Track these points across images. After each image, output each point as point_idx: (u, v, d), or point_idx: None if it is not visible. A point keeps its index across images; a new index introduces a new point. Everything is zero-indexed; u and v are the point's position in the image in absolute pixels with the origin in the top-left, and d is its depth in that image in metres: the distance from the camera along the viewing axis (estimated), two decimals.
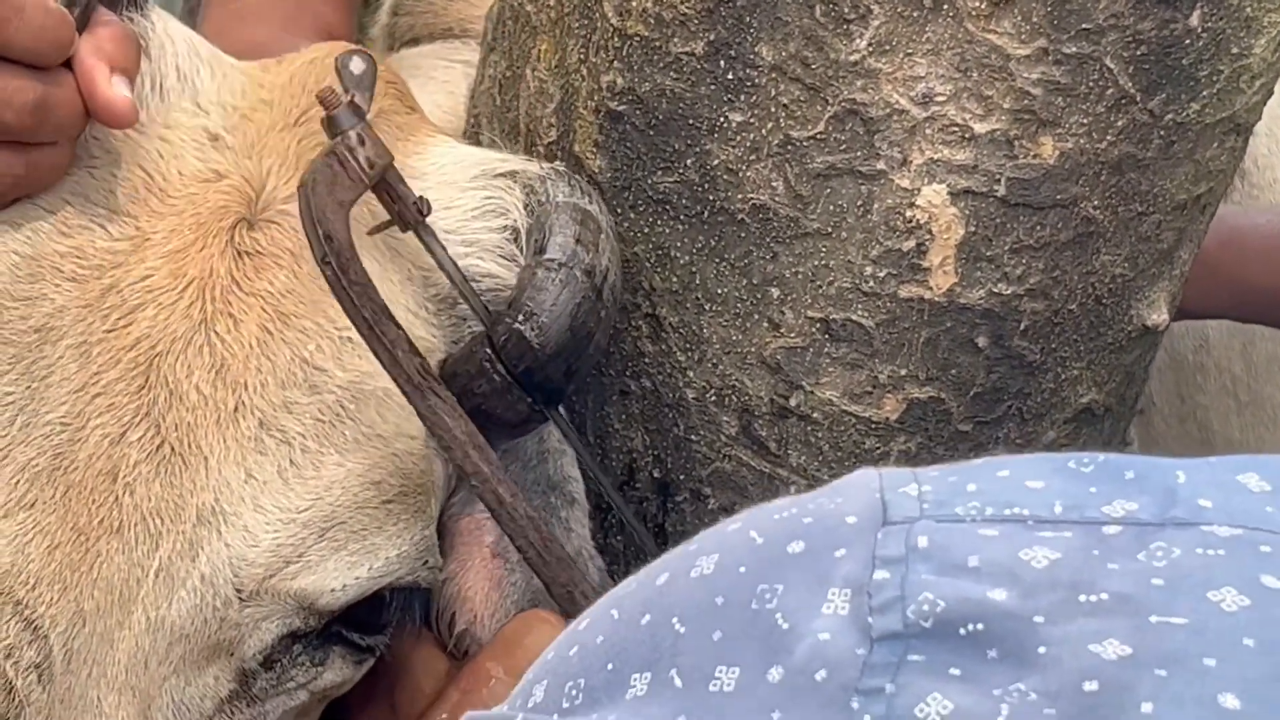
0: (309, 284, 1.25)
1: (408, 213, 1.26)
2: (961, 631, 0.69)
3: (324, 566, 1.22)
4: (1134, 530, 0.72)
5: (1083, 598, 0.69)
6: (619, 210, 1.35)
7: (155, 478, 1.20)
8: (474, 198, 1.32)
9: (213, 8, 2.11)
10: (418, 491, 1.27)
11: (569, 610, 1.24)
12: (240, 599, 1.20)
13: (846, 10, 1.23)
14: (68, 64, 1.22)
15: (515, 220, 1.31)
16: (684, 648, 0.73)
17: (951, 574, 0.70)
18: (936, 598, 0.70)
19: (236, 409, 1.22)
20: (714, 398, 1.36)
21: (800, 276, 1.30)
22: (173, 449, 1.21)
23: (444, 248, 1.28)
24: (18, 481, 1.20)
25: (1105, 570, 0.70)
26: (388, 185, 1.26)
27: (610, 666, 0.75)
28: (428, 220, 1.27)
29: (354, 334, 1.24)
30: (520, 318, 1.27)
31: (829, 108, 1.26)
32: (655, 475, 1.41)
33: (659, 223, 1.34)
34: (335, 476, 1.23)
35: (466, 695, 1.29)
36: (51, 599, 1.18)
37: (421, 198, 1.26)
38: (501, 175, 1.33)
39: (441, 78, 1.67)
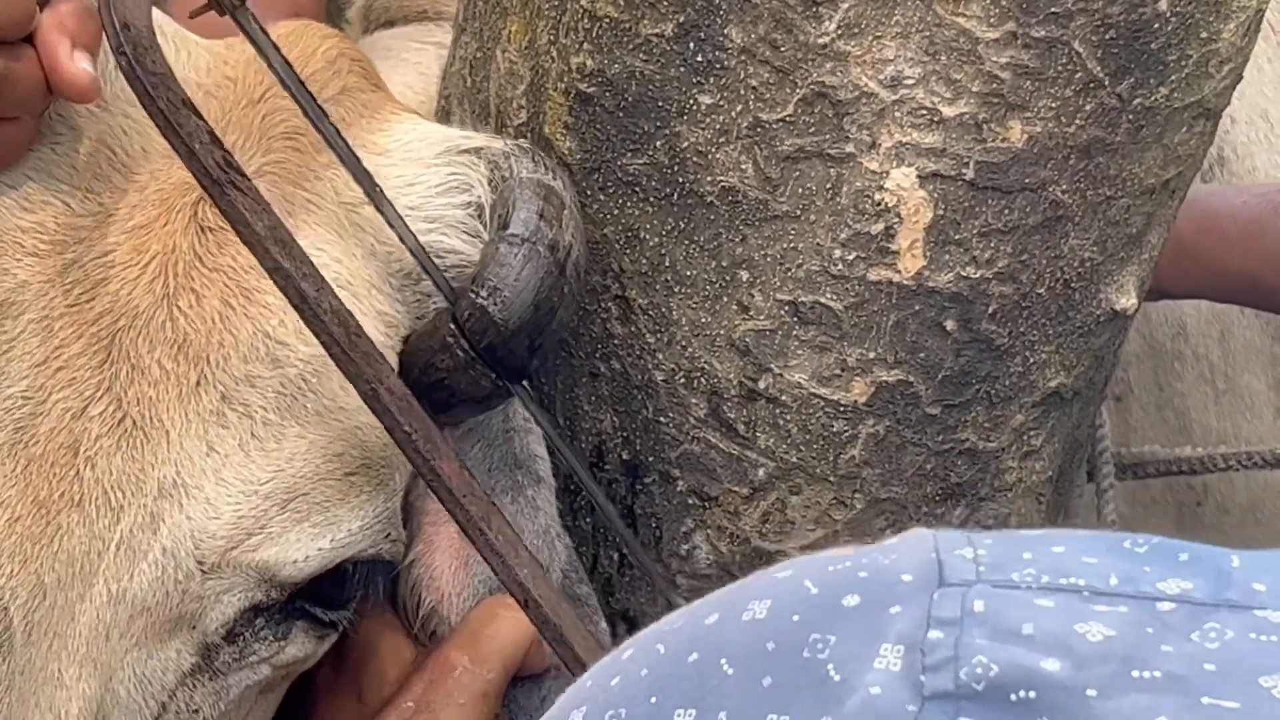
0: None
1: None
2: (1013, 698, 0.69)
3: (286, 538, 1.22)
4: (1188, 609, 0.72)
5: (1136, 673, 0.69)
6: (589, 192, 1.35)
7: (116, 451, 1.20)
8: (438, 174, 1.32)
9: None
10: (380, 464, 1.27)
11: (512, 589, 1.24)
12: (202, 571, 1.20)
13: None
14: (29, 39, 1.21)
15: (479, 196, 1.31)
16: (732, 690, 0.73)
17: (1005, 640, 0.70)
18: (990, 662, 0.70)
19: (198, 383, 1.22)
20: (683, 380, 1.36)
21: (769, 259, 1.30)
22: (134, 423, 1.21)
23: (401, 217, 1.28)
24: None
25: (1159, 650, 0.70)
26: None
27: (653, 700, 0.75)
28: (388, 195, 1.27)
29: None
30: (483, 293, 1.26)
31: (798, 90, 1.26)
32: (624, 457, 1.41)
33: (628, 205, 1.34)
34: (297, 449, 1.23)
35: (432, 684, 1.29)
36: (12, 571, 1.18)
37: None
38: (466, 151, 1.33)
39: (413, 59, 1.67)
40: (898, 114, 1.25)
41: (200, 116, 1.19)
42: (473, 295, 1.27)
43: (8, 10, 1.18)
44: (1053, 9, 1.21)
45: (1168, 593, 0.72)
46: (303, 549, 1.23)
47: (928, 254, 1.28)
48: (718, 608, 0.78)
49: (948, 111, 1.24)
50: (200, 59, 1.33)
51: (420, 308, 1.32)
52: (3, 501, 1.19)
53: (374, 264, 1.29)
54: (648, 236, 1.33)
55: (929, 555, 0.74)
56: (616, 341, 1.38)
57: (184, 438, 1.20)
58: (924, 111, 1.24)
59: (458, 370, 1.27)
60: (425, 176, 1.32)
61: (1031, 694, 0.69)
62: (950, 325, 1.30)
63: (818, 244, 1.29)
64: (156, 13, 1.33)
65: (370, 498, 1.26)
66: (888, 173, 1.26)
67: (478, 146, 1.34)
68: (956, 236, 1.28)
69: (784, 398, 1.33)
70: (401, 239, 1.28)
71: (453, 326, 1.27)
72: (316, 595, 1.27)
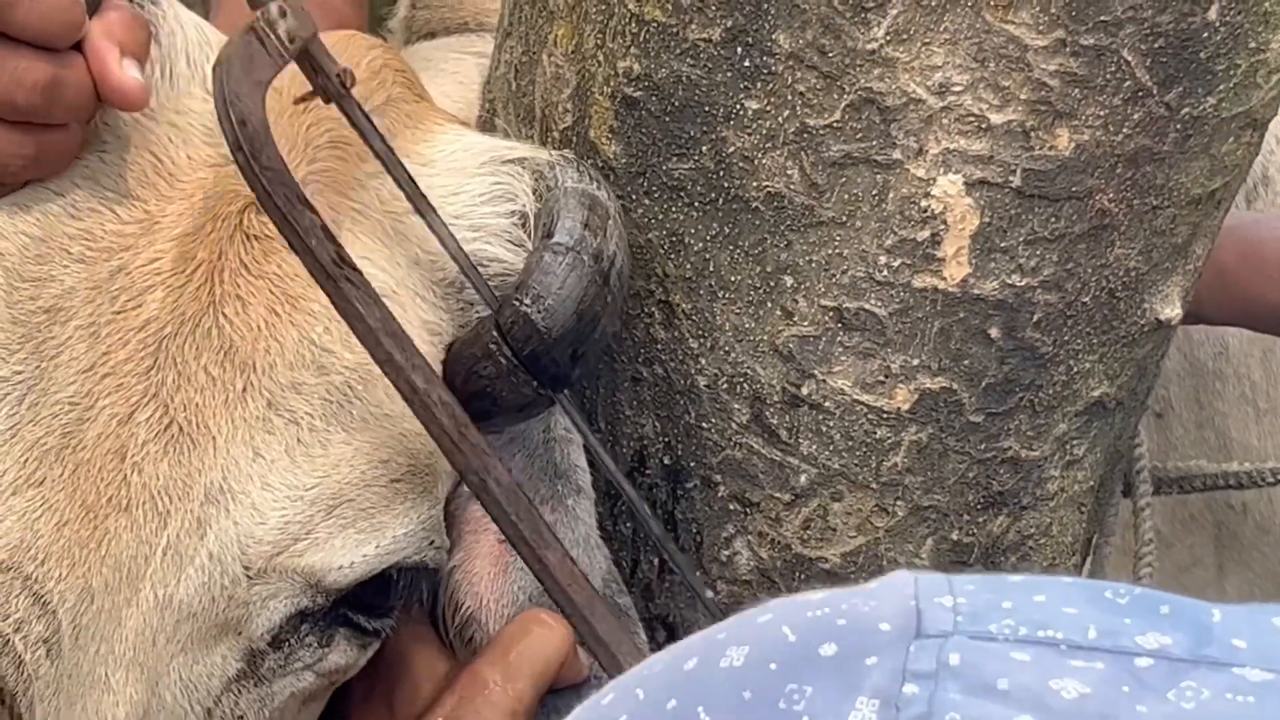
0: None
1: (331, 86, 1.24)
2: None
3: (331, 544, 1.22)
4: (1166, 665, 0.71)
5: None
6: (634, 197, 1.35)
7: (163, 457, 1.20)
8: (482, 183, 1.32)
9: (226, 3, 2.12)
10: (425, 471, 1.27)
11: (559, 602, 1.24)
12: (248, 577, 1.20)
13: None
14: (78, 47, 1.22)
15: (523, 205, 1.31)
16: None
17: (980, 695, 0.70)
18: (963, 718, 0.70)
19: (245, 389, 1.22)
20: (726, 385, 1.36)
21: (814, 265, 1.30)
22: (181, 429, 1.21)
23: (444, 224, 1.28)
24: (27, 459, 1.20)
25: (1134, 710, 0.69)
26: (310, 58, 1.23)
27: None
28: (433, 204, 1.28)
29: None
30: (527, 300, 1.27)
31: (845, 96, 1.26)
32: (665, 462, 1.41)
33: (673, 209, 1.34)
34: (343, 455, 1.23)
35: (463, 701, 1.29)
36: (60, 575, 1.18)
37: (346, 69, 1.25)
38: (510, 161, 1.33)
39: (451, 69, 1.68)
40: (945, 121, 1.25)
41: (315, 211, 1.21)
42: (516, 303, 1.27)
43: (57, 17, 1.19)
44: (1102, 17, 1.21)
45: (1146, 647, 0.72)
46: (348, 555, 1.23)
47: (973, 261, 1.28)
48: (696, 652, 0.77)
49: (995, 119, 1.24)
50: None
51: (464, 316, 1.32)
52: (51, 505, 1.19)
53: (418, 273, 1.30)
54: (692, 241, 1.34)
55: (909, 603, 0.74)
56: (659, 346, 1.38)
57: (230, 444, 1.21)
58: (971, 118, 1.24)
59: (500, 378, 1.27)
60: (469, 186, 1.32)
61: None
62: (995, 333, 1.30)
63: (863, 250, 1.29)
64: (203, 22, 1.35)
65: (415, 504, 1.26)
66: (934, 179, 1.26)
67: (522, 156, 1.34)
68: (1002, 244, 1.28)
69: (827, 404, 1.33)
70: (445, 247, 1.28)
71: (496, 334, 1.27)
72: (360, 603, 1.27)
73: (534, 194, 1.32)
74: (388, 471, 1.25)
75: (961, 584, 0.75)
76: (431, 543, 1.28)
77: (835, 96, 1.26)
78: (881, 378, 1.32)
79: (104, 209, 1.26)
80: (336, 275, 1.20)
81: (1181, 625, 0.73)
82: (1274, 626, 0.73)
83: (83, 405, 1.21)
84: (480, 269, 1.29)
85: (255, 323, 1.24)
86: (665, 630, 1.43)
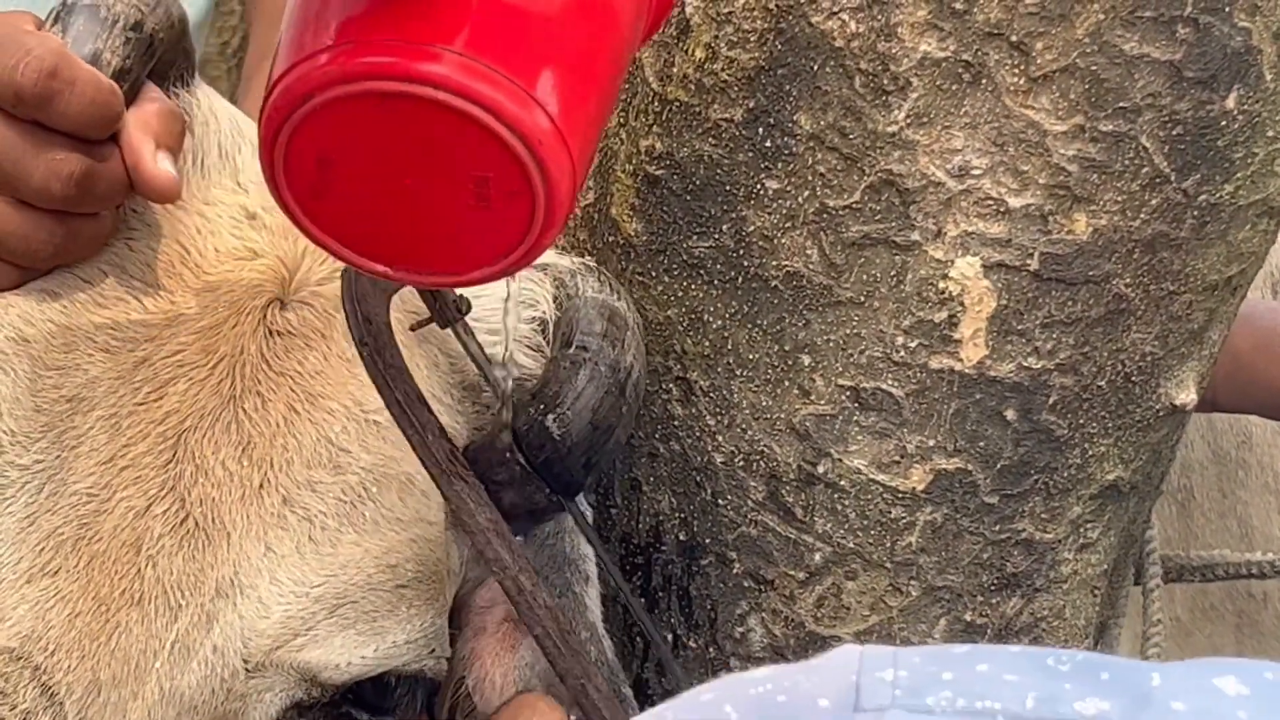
0: (338, 365, 1.26)
1: (447, 310, 1.26)
2: None
3: (331, 642, 1.22)
4: None
5: None
6: (653, 274, 1.36)
7: (178, 551, 1.20)
8: (503, 288, 1.33)
9: (255, 84, 2.13)
10: (432, 579, 1.27)
11: (581, 703, 1.25)
12: (247, 670, 1.20)
13: (885, 82, 1.24)
14: (114, 137, 1.23)
15: (544, 312, 1.32)
16: None
17: None
18: None
19: (261, 486, 1.22)
20: (742, 462, 1.36)
21: (832, 344, 1.31)
22: (196, 523, 1.21)
23: (477, 342, 1.28)
24: (43, 548, 1.20)
25: None
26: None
27: None
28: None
29: (380, 416, 1.24)
30: (543, 409, 1.27)
31: (865, 178, 1.27)
32: (681, 538, 1.41)
33: (693, 287, 1.35)
34: (351, 556, 1.23)
35: None
36: (69, 666, 1.18)
37: (461, 296, 1.26)
38: (533, 267, 1.34)
39: None
40: (964, 203, 1.25)
41: (430, 410, 1.22)
42: (533, 411, 1.27)
43: (95, 110, 1.20)
44: (1121, 104, 1.22)
45: (1084, 714, 0.72)
46: (346, 655, 1.23)
47: (990, 343, 1.29)
48: None
49: (1014, 202, 1.25)
50: None
51: (479, 419, 1.32)
52: (64, 596, 1.19)
53: (437, 375, 1.30)
54: (711, 319, 1.34)
55: (849, 678, 0.74)
56: (677, 423, 1.39)
57: (244, 539, 1.21)
58: (990, 201, 1.25)
59: (513, 484, 1.28)
60: (491, 289, 1.33)
61: None
62: (1010, 415, 1.31)
63: (880, 330, 1.30)
64: (237, 112, 1.35)
65: (419, 612, 1.26)
66: (952, 261, 1.27)
67: (544, 263, 1.34)
68: (1019, 327, 1.28)
69: (842, 483, 1.34)
70: (469, 353, 1.28)
71: (511, 441, 1.27)
72: (360, 699, 1.27)
73: (554, 301, 1.32)
74: (395, 577, 1.25)
75: (906, 657, 0.75)
76: (432, 651, 1.27)
77: (855, 178, 1.27)
78: (897, 458, 1.32)
79: (130, 298, 1.26)
80: (450, 472, 1.22)
81: (1122, 690, 0.73)
82: (1213, 687, 0.73)
83: (101, 497, 1.21)
84: (498, 373, 1.30)
85: (274, 419, 1.24)
86: None
